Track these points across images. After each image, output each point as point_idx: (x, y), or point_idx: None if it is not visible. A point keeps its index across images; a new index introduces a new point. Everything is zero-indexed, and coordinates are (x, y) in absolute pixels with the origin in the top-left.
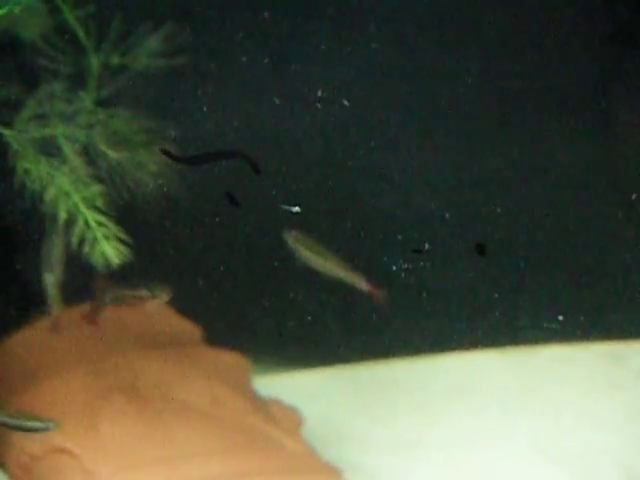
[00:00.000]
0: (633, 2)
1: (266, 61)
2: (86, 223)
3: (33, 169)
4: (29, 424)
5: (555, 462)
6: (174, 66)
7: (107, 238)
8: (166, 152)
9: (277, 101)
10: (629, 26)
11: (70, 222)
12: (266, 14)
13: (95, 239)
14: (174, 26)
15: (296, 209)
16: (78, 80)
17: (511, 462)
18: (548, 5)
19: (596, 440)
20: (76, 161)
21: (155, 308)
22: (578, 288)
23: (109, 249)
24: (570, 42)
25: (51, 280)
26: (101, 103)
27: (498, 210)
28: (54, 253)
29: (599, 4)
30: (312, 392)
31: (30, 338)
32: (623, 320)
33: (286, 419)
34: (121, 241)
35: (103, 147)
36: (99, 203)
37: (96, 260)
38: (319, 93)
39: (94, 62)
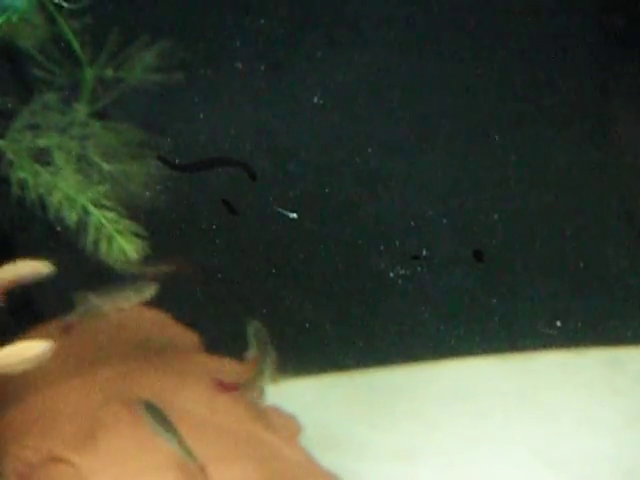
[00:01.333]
0: (630, 6)
1: (262, 68)
2: (99, 222)
3: (30, 179)
4: None
5: (554, 467)
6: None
7: (122, 233)
8: (162, 159)
9: (273, 107)
10: (626, 30)
11: (81, 225)
12: (262, 21)
13: (111, 236)
14: (170, 42)
15: (293, 215)
16: (73, 91)
17: (510, 468)
18: (545, 10)
19: (595, 445)
20: (70, 171)
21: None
22: (576, 294)
23: (126, 244)
24: (567, 45)
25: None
26: (96, 115)
27: (496, 216)
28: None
29: (596, 8)
30: (310, 399)
31: None
32: (621, 326)
33: (285, 426)
34: (137, 235)
35: (96, 159)
36: (106, 202)
37: (115, 257)
38: (315, 100)
39: (88, 74)
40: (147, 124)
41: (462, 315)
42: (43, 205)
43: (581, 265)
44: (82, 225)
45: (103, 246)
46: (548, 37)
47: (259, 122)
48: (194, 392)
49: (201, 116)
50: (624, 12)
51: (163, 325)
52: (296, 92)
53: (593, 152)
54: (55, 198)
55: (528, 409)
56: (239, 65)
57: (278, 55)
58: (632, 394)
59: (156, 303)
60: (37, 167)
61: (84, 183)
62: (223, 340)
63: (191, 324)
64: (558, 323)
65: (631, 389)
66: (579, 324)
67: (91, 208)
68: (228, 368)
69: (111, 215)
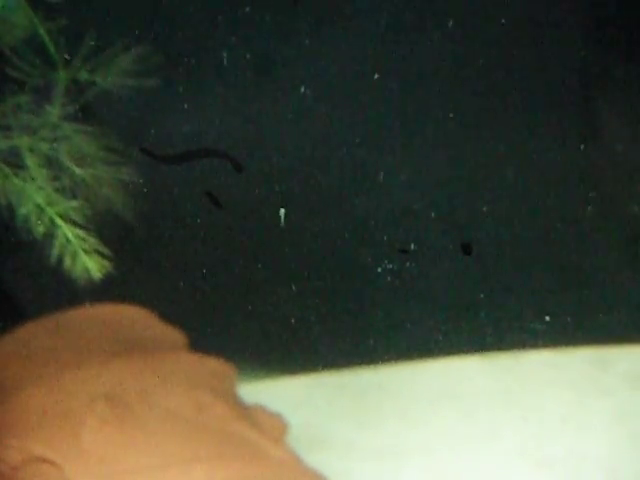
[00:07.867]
0: (617, 3)
1: (248, 57)
2: (65, 237)
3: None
4: None
5: (541, 467)
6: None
7: (87, 252)
8: (146, 151)
9: (259, 98)
10: (613, 27)
11: (48, 236)
12: (247, 9)
13: (75, 253)
14: (147, 47)
15: (281, 212)
16: (46, 93)
17: (497, 467)
18: (532, 5)
19: (582, 445)
20: (41, 175)
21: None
22: (564, 289)
23: (90, 263)
24: (554, 41)
25: None
26: (78, 113)
27: (484, 210)
28: None
29: (584, 4)
30: (296, 398)
31: (9, 347)
32: (609, 322)
33: (270, 426)
34: (102, 254)
35: (68, 162)
36: (76, 217)
37: (77, 274)
38: (302, 90)
39: (62, 76)
40: (129, 116)
41: (450, 310)
42: (11, 210)
43: (569, 259)
44: (49, 237)
45: (67, 261)
46: (534, 33)
47: (244, 113)
48: (179, 391)
49: (185, 107)
50: (610, 10)
51: (147, 323)
52: (282, 83)
53: (583, 146)
54: (24, 207)
55: (515, 408)
56: (224, 55)
57: (264, 44)
58: (619, 393)
59: (140, 300)
60: (7, 170)
61: (56, 195)
62: (209, 338)
63: (176, 322)
64: (546, 318)
65: (618, 388)
66: (567, 319)
67: (59, 222)
68: (212, 366)
69: (79, 232)
